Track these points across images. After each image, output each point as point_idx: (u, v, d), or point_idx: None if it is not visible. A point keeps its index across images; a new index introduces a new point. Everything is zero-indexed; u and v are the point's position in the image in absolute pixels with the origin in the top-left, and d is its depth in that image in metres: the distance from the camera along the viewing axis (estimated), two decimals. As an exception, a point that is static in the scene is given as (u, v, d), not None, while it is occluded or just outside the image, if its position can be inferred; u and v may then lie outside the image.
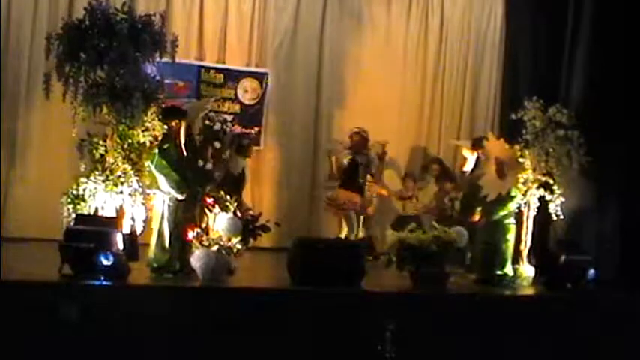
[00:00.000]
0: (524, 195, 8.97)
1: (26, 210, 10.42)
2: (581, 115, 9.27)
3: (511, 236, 8.73)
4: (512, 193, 8.69)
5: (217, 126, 9.75)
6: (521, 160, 9.05)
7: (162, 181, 7.81)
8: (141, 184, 8.08)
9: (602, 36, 9.47)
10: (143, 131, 8.07)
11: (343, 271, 7.56)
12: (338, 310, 7.12)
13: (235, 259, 7.73)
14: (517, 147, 9.08)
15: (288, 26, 11.62)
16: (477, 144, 9.79)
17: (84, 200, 7.95)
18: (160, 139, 7.98)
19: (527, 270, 8.94)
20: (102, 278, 6.90)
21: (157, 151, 7.89)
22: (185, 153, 7.99)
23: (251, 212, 8.27)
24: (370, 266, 8.24)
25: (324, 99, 11.76)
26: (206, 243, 7.68)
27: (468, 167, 9.70)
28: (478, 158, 9.69)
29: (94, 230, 7.28)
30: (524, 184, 9.00)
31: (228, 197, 8.00)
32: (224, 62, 11.35)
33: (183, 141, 7.99)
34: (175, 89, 10.61)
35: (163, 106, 8.19)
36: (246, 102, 11.34)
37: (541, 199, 9.07)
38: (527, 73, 10.63)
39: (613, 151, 9.17)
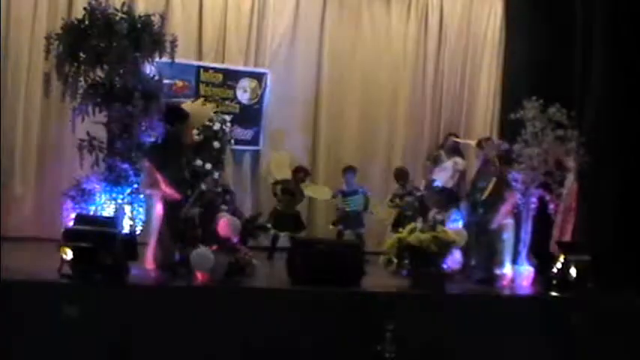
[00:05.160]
0: (524, 195, 8.96)
1: (26, 210, 10.42)
2: (582, 115, 9.27)
3: (507, 236, 8.73)
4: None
5: (217, 126, 9.75)
6: (521, 159, 9.06)
7: (164, 181, 7.80)
8: (140, 184, 8.08)
9: (607, 35, 9.47)
10: (143, 131, 8.08)
11: (343, 271, 7.56)
12: (338, 310, 7.12)
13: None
14: (517, 146, 9.09)
15: (287, 26, 11.62)
16: (480, 144, 9.82)
17: (83, 200, 7.95)
18: (161, 139, 7.98)
19: (527, 270, 8.93)
20: (101, 278, 6.90)
21: (159, 151, 7.89)
22: (187, 153, 8.00)
23: None
24: (370, 266, 8.24)
25: (323, 99, 11.76)
26: (206, 243, 7.70)
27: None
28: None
29: (94, 230, 7.27)
30: (523, 183, 8.99)
31: (227, 197, 8.03)
32: (223, 62, 11.34)
33: (187, 142, 8.01)
34: (174, 89, 10.61)
35: (166, 106, 8.18)
36: (246, 102, 11.33)
37: (541, 199, 9.06)
38: (526, 73, 10.63)
39: (614, 150, 9.17)
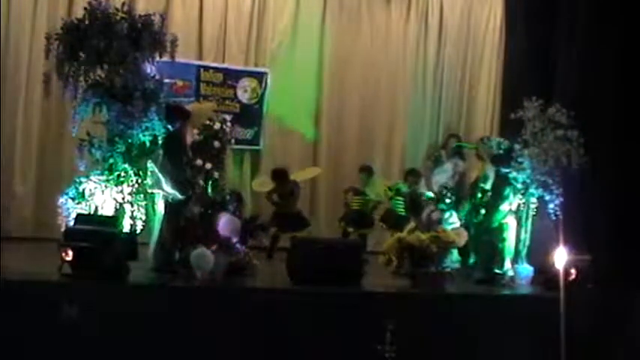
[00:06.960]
0: (524, 195, 8.98)
1: (26, 209, 10.42)
2: (580, 115, 9.28)
3: (508, 235, 8.74)
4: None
5: (217, 125, 9.75)
6: (520, 159, 9.07)
7: (164, 181, 7.80)
8: (140, 184, 8.08)
9: (598, 34, 9.48)
10: (143, 131, 8.08)
11: (343, 271, 7.56)
12: (338, 310, 7.12)
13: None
14: (517, 146, 9.10)
15: (287, 26, 11.63)
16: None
17: (84, 200, 7.95)
18: (162, 139, 7.98)
19: (526, 270, 8.94)
20: (101, 278, 6.90)
21: (160, 151, 7.90)
22: (188, 153, 8.00)
23: None
24: (370, 266, 8.24)
25: (323, 98, 11.76)
26: (206, 243, 7.70)
27: None
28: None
29: (94, 230, 7.27)
30: (523, 183, 9.00)
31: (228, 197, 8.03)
32: (223, 62, 11.35)
33: (189, 142, 8.01)
34: (175, 89, 10.61)
35: (167, 106, 8.18)
36: (246, 101, 11.35)
37: (540, 198, 9.07)
38: (526, 73, 10.64)
39: (612, 149, 9.17)
